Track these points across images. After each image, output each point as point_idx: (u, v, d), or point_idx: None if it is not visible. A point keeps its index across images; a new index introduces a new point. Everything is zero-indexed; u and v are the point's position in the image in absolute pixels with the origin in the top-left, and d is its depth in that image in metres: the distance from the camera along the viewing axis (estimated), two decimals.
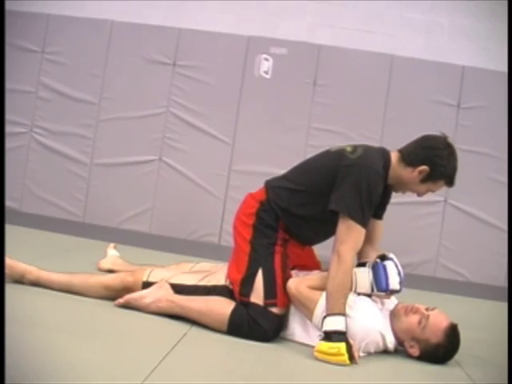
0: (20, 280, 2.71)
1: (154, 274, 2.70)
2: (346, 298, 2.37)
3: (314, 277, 2.55)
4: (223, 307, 2.50)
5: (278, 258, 2.55)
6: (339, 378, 2.20)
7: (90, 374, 1.82)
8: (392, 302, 2.62)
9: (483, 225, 4.58)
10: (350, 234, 2.39)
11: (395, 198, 2.78)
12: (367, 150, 2.55)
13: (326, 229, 2.59)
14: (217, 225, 4.68)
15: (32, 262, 2.77)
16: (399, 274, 2.49)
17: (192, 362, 2.17)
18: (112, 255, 3.45)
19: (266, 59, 4.67)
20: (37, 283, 2.71)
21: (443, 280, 4.57)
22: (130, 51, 4.81)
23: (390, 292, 2.52)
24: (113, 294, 2.67)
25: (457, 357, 2.49)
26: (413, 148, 2.58)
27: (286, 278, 2.54)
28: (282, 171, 2.78)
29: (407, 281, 2.60)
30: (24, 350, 1.91)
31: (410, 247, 4.49)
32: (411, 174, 2.53)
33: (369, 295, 2.53)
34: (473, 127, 4.58)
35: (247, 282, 2.51)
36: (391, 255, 2.55)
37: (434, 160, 2.50)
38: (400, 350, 2.53)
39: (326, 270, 2.47)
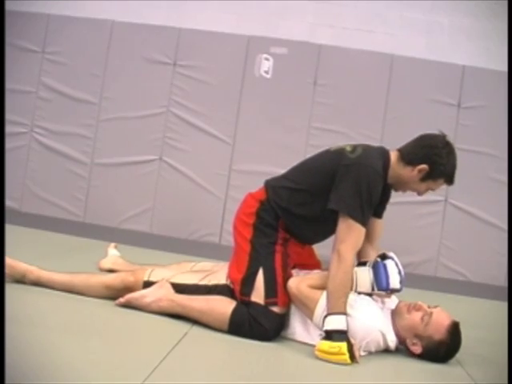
0: (21, 280, 2.71)
1: (154, 274, 2.71)
2: (346, 297, 2.38)
3: (315, 276, 2.55)
4: (224, 306, 2.51)
5: (278, 257, 2.55)
6: (340, 377, 2.20)
7: (90, 374, 1.82)
8: (392, 301, 2.62)
9: (484, 224, 4.58)
10: (350, 233, 2.40)
11: (396, 197, 2.79)
12: (367, 149, 2.56)
13: (326, 228, 2.59)
14: (217, 224, 4.69)
15: (33, 262, 2.77)
16: (400, 273, 2.50)
17: (193, 362, 2.17)
18: (113, 255, 3.45)
19: (267, 59, 4.68)
20: (38, 283, 2.71)
21: (444, 279, 4.57)
22: (131, 51, 4.81)
23: (391, 291, 2.52)
24: (114, 294, 2.67)
25: (458, 356, 2.50)
26: (412, 147, 2.58)
27: (287, 277, 2.54)
28: (282, 171, 2.78)
29: (408, 280, 2.61)
30: (24, 350, 1.91)
31: (411, 247, 4.49)
32: (411, 172, 2.53)
33: (369, 294, 2.53)
34: (473, 127, 4.58)
35: (248, 282, 2.52)
36: (391, 254, 2.55)
37: (434, 159, 2.50)
38: (401, 349, 2.53)
39: (327, 269, 2.47)
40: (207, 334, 2.48)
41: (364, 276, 2.50)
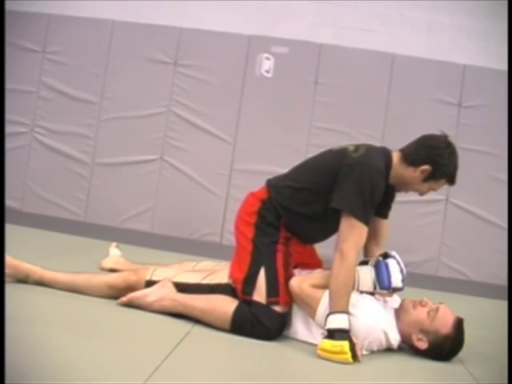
0: (24, 280, 2.72)
1: (156, 273, 2.71)
2: (348, 296, 2.38)
3: (317, 275, 2.56)
4: (226, 306, 2.51)
5: (280, 257, 2.56)
6: (342, 376, 2.20)
7: (91, 374, 1.82)
8: (395, 300, 2.63)
9: (485, 223, 4.58)
10: (352, 232, 2.40)
11: (397, 196, 2.78)
12: (369, 149, 2.56)
13: (328, 227, 2.60)
14: (218, 224, 4.69)
15: (34, 262, 2.77)
16: (401, 271, 2.50)
17: (195, 361, 2.17)
18: (114, 254, 3.45)
19: (268, 58, 4.68)
20: (40, 283, 2.72)
21: (445, 279, 4.57)
22: (132, 51, 4.81)
23: (393, 290, 2.52)
24: (116, 293, 2.68)
25: (459, 354, 2.51)
26: (414, 148, 2.59)
27: (289, 276, 2.54)
28: (283, 170, 2.79)
29: (409, 280, 2.61)
30: (24, 350, 1.91)
31: (412, 246, 4.49)
32: (413, 173, 2.54)
33: (371, 293, 2.53)
34: (474, 126, 4.58)
35: (250, 281, 2.52)
36: (393, 253, 2.55)
37: (436, 159, 2.51)
38: (403, 348, 2.53)
39: (329, 268, 2.48)
40: (209, 333, 2.48)
41: (366, 275, 2.50)
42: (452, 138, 2.62)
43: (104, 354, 2.04)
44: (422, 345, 2.46)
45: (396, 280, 2.48)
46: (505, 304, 3.68)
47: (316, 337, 2.44)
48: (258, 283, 2.50)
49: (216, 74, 4.73)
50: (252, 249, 2.57)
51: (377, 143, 2.80)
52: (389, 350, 2.49)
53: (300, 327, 2.54)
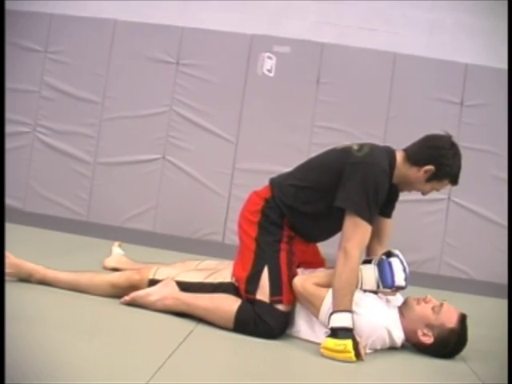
0: (27, 279, 2.72)
1: (159, 272, 2.71)
2: (352, 294, 2.38)
3: (320, 274, 2.56)
4: (229, 304, 2.51)
5: (283, 256, 2.56)
6: (345, 375, 2.20)
7: (93, 374, 1.82)
8: (398, 298, 2.63)
9: (487, 222, 4.58)
10: (356, 231, 2.40)
11: (399, 195, 2.79)
12: (373, 148, 2.57)
13: (331, 226, 2.61)
14: (221, 223, 4.69)
15: (37, 261, 2.78)
16: (404, 270, 2.50)
17: (198, 360, 2.17)
18: (117, 254, 3.46)
19: (270, 57, 4.68)
20: (43, 282, 2.72)
21: (447, 278, 4.57)
22: (133, 50, 4.81)
23: (396, 289, 2.53)
24: (119, 292, 2.68)
25: (462, 353, 2.52)
26: (418, 148, 2.59)
27: (292, 275, 2.54)
28: (285, 169, 2.79)
29: (411, 278, 2.61)
30: (25, 349, 1.91)
31: (414, 245, 4.48)
32: (417, 173, 2.54)
33: (375, 292, 2.54)
34: (476, 125, 4.58)
35: (253, 280, 2.52)
36: (396, 252, 2.56)
37: (440, 160, 2.51)
38: (406, 347, 2.54)
39: (332, 267, 2.48)
40: (212, 332, 2.49)
41: (369, 274, 2.50)
42: (454, 137, 2.62)
43: (106, 354, 2.04)
44: (428, 339, 2.47)
45: (399, 279, 2.48)
46: (507, 303, 3.68)
47: (319, 335, 2.45)
48: (261, 282, 2.51)
49: (218, 73, 4.73)
50: (255, 248, 2.57)
51: (379, 142, 2.81)
52: (392, 348, 2.49)
53: (303, 326, 2.54)
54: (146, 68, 4.79)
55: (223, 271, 2.69)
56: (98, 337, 2.20)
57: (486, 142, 4.56)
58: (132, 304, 2.63)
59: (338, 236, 2.54)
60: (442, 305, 2.49)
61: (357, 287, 2.46)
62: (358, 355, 2.29)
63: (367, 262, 2.56)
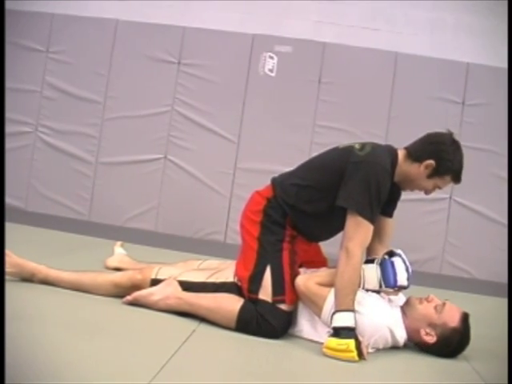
0: (30, 279, 2.72)
1: (162, 272, 2.71)
2: (354, 294, 2.38)
3: (323, 273, 2.56)
4: (232, 304, 2.51)
5: (285, 255, 2.56)
6: (348, 374, 2.20)
7: (95, 373, 1.81)
8: (400, 298, 2.63)
9: (488, 222, 4.58)
10: (358, 230, 2.40)
11: (401, 195, 2.78)
12: (375, 147, 2.56)
13: (333, 225, 2.60)
14: (222, 223, 4.69)
15: (38, 261, 2.77)
16: (407, 270, 2.50)
17: (200, 360, 2.17)
18: (119, 253, 3.46)
19: (271, 57, 4.68)
20: (46, 281, 2.72)
21: (449, 277, 4.57)
22: (135, 50, 4.82)
23: (398, 288, 2.52)
24: (121, 292, 2.68)
25: (465, 352, 2.51)
26: (419, 145, 2.59)
27: (294, 274, 2.54)
28: (287, 169, 2.79)
29: (413, 278, 2.61)
30: (25, 349, 1.91)
31: (416, 244, 4.48)
32: (418, 169, 2.54)
33: (377, 291, 2.54)
34: (477, 124, 4.58)
35: (255, 279, 2.52)
36: (399, 251, 2.55)
37: (440, 154, 2.51)
38: (409, 346, 2.54)
39: (334, 266, 2.48)
40: (215, 331, 2.49)
41: (371, 273, 2.50)
42: (456, 136, 2.62)
43: (108, 353, 2.03)
44: (431, 339, 2.47)
45: (401, 278, 2.48)
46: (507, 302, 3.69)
47: (321, 335, 2.44)
48: (263, 282, 2.50)
49: (219, 73, 4.74)
50: (258, 247, 2.57)
51: (380, 142, 2.80)
52: (394, 347, 2.49)
53: (305, 325, 2.54)
54: (147, 68, 4.80)
55: (225, 271, 2.69)
56: (99, 336, 2.20)
57: (488, 141, 4.57)
58: (134, 304, 2.62)
59: (339, 235, 2.54)
60: (444, 304, 2.49)
61: (359, 287, 2.46)
62: (360, 355, 2.28)
63: (369, 261, 2.56)
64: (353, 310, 2.34)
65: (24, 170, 4.87)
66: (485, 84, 4.61)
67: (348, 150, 2.55)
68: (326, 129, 4.64)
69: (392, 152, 2.58)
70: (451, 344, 2.47)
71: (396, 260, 2.50)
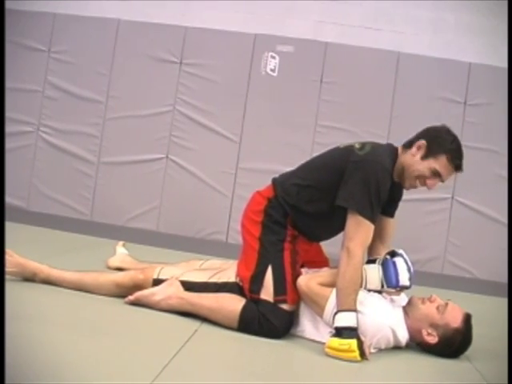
0: (32, 278, 2.71)
1: (164, 272, 2.71)
2: (356, 293, 2.37)
3: (324, 273, 2.56)
4: (234, 304, 2.51)
5: (287, 255, 2.55)
6: (350, 374, 2.20)
7: (96, 373, 1.81)
8: (401, 298, 2.62)
9: (490, 222, 4.58)
10: (358, 230, 2.39)
11: (403, 194, 2.78)
12: (375, 146, 2.56)
13: (334, 225, 2.60)
14: (224, 223, 4.69)
15: (40, 260, 2.77)
16: (409, 270, 2.49)
17: (202, 360, 2.17)
18: (121, 253, 3.45)
19: (273, 57, 4.68)
20: (47, 281, 2.72)
21: (450, 277, 4.57)
22: (137, 50, 4.83)
23: (400, 288, 2.52)
24: (123, 292, 2.67)
25: (467, 352, 2.51)
26: (414, 137, 2.60)
27: (296, 274, 2.54)
28: (289, 169, 2.78)
29: (415, 278, 2.61)
30: (26, 349, 1.91)
31: (418, 244, 4.49)
32: (411, 154, 2.53)
33: (379, 292, 2.53)
34: (479, 124, 4.58)
35: (257, 279, 2.52)
36: (401, 251, 2.55)
37: (431, 133, 2.52)
38: (411, 346, 2.53)
39: (336, 266, 2.48)
40: (217, 331, 2.48)
41: (373, 273, 2.49)
42: (457, 137, 2.61)
43: (110, 353, 2.03)
44: (432, 339, 2.47)
45: (403, 278, 2.47)
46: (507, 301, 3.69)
47: (323, 335, 2.44)
48: (265, 282, 2.50)
49: (221, 72, 4.74)
50: (259, 247, 2.56)
51: (382, 141, 2.79)
52: (396, 347, 2.49)
53: (307, 325, 2.54)
54: (149, 68, 4.80)
55: (227, 271, 2.69)
56: (101, 336, 2.20)
57: (490, 141, 4.57)
58: (136, 304, 2.62)
59: (340, 235, 2.54)
60: (446, 304, 2.48)
61: (361, 287, 2.46)
62: (362, 355, 2.28)
63: (371, 261, 2.56)
64: (355, 310, 2.34)
65: (26, 170, 4.87)
66: (487, 84, 4.61)
67: (348, 150, 2.55)
68: (327, 129, 4.64)
69: (392, 150, 2.58)
70: (453, 344, 2.47)
71: (398, 260, 2.50)
